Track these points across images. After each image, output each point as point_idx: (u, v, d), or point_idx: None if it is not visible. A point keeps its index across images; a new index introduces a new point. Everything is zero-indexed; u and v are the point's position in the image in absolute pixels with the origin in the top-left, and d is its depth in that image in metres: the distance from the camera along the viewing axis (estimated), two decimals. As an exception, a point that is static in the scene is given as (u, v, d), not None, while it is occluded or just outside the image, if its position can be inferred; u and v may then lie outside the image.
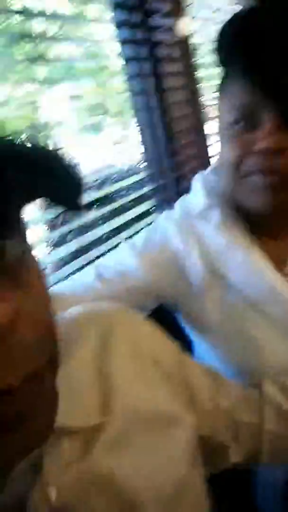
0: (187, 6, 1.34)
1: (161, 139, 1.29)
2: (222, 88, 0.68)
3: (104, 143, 1.28)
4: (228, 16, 0.64)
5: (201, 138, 1.46)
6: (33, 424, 0.33)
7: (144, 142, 1.30)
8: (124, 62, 1.17)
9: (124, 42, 1.17)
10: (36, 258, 0.36)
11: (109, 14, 1.14)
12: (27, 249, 0.34)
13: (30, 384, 0.31)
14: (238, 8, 0.69)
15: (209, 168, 0.82)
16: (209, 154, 1.50)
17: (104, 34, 1.19)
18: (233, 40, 0.62)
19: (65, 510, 0.40)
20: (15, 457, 0.37)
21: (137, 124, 1.27)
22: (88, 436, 0.44)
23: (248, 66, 0.59)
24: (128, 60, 1.18)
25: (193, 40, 1.39)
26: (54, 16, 1.09)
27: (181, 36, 1.31)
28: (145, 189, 1.29)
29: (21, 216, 0.34)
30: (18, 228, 0.33)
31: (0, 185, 0.30)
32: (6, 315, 0.29)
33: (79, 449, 0.43)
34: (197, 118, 1.40)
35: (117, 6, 1.13)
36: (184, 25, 1.31)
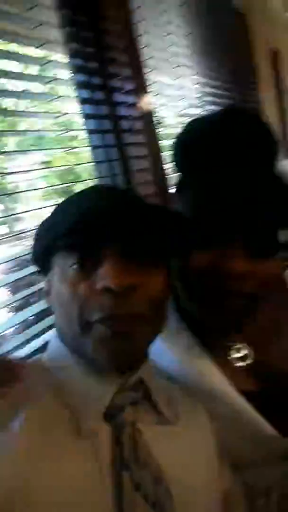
0: (149, 85, 1.47)
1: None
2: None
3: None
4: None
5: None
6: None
7: None
8: (88, 134, 1.25)
9: (87, 116, 1.25)
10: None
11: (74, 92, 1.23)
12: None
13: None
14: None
15: None
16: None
17: (71, 108, 1.27)
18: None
19: None
20: None
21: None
22: None
23: None
24: (92, 132, 1.27)
25: (157, 113, 1.50)
26: (25, 94, 1.16)
27: (144, 110, 1.42)
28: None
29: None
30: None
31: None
32: (122, 285, 0.47)
33: None
34: (160, 185, 1.48)
35: (81, 85, 1.23)
36: (147, 102, 1.43)
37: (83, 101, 1.23)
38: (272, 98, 3.29)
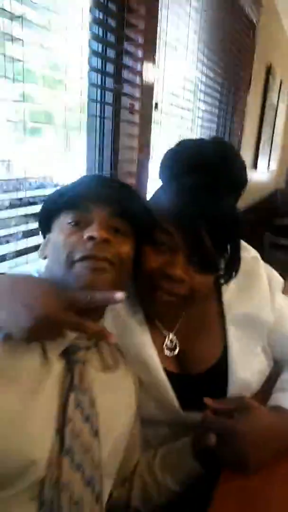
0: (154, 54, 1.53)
1: (106, 162, 1.43)
2: None
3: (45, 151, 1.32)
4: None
5: (144, 174, 1.61)
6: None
7: (88, 160, 1.42)
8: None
9: (95, 70, 1.30)
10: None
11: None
12: None
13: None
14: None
15: None
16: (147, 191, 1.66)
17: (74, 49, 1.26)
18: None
19: None
20: None
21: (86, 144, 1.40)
22: None
23: None
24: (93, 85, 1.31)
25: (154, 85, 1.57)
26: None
27: (145, 78, 1.48)
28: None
29: None
30: None
31: None
32: (102, 236, 0.64)
33: None
34: (144, 153, 1.56)
35: (95, 37, 1.27)
36: (149, 70, 1.49)
37: (94, 53, 1.27)
38: (257, 106, 3.47)
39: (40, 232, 0.80)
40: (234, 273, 0.84)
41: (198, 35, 1.97)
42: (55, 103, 1.27)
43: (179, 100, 1.95)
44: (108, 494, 0.70)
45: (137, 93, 1.47)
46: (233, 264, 0.82)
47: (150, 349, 0.84)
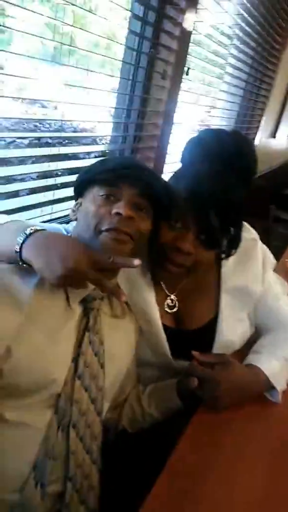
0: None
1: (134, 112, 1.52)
2: None
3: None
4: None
5: (167, 128, 1.69)
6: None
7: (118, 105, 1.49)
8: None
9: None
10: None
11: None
12: None
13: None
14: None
15: None
16: (166, 149, 1.74)
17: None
18: None
19: None
20: None
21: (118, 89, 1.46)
22: None
23: None
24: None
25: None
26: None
27: (185, 27, 1.52)
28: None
29: None
30: None
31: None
32: (127, 214, 0.76)
33: None
34: (169, 115, 1.63)
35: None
36: (190, 19, 1.53)
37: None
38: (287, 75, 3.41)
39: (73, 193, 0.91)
40: (233, 251, 0.97)
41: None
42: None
43: (210, 65, 1.97)
44: (105, 413, 0.88)
45: (171, 58, 1.52)
46: (234, 244, 0.95)
47: (153, 306, 0.99)
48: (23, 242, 0.72)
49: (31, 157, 1.29)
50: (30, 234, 0.73)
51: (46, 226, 1.00)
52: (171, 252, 0.88)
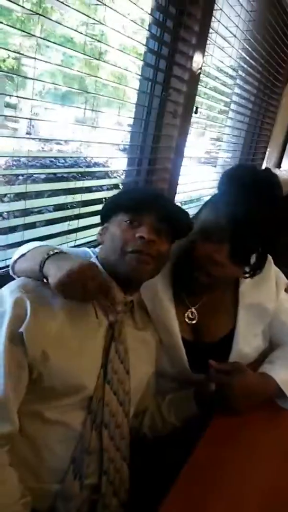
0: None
1: (147, 146, 1.66)
2: None
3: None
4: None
5: (178, 161, 1.83)
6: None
7: (132, 141, 1.64)
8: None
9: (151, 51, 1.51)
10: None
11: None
12: None
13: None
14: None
15: None
16: (177, 180, 1.88)
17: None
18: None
19: None
20: None
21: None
22: None
23: None
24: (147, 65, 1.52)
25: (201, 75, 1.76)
26: None
27: (194, 71, 1.68)
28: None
29: None
30: None
31: None
32: (149, 238, 0.87)
33: None
34: (180, 149, 1.78)
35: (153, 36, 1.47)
36: (199, 62, 1.69)
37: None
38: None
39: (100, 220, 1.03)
40: (258, 271, 1.09)
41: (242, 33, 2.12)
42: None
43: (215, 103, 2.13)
44: (131, 416, 0.96)
45: (181, 99, 1.68)
46: (261, 263, 1.08)
47: (173, 320, 1.08)
48: (45, 260, 0.84)
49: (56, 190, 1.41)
50: (52, 254, 0.85)
51: (75, 249, 1.12)
52: (206, 263, 1.00)
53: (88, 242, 1.47)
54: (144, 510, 0.76)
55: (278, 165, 3.85)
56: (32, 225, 1.31)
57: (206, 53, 1.75)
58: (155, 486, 0.81)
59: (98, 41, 1.27)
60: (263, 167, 3.25)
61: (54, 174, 2.13)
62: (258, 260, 1.07)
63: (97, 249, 1.03)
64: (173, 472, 0.81)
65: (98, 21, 1.20)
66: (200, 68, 1.71)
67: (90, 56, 1.24)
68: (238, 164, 1.13)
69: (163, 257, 0.93)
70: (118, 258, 0.89)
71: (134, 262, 0.87)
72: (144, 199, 0.94)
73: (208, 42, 1.73)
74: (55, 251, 0.86)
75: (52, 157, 2.47)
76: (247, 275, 1.10)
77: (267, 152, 3.26)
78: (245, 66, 2.35)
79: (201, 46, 1.67)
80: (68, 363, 0.83)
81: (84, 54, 1.22)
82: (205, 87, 1.95)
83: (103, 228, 0.99)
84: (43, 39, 1.08)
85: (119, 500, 0.89)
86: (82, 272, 0.79)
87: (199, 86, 1.80)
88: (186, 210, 1.01)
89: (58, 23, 1.13)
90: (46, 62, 1.12)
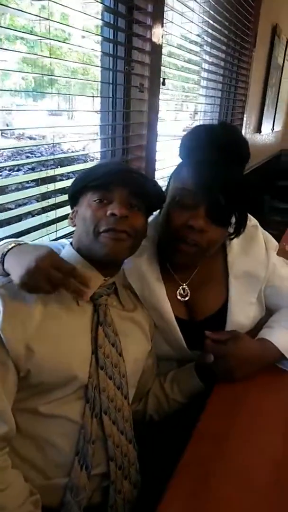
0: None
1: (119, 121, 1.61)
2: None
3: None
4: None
5: (152, 137, 1.77)
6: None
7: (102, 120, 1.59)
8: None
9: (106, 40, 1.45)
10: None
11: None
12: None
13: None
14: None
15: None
16: (154, 156, 1.83)
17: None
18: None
19: None
20: None
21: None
22: None
23: None
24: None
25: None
26: None
27: (154, 41, 1.62)
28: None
29: None
30: None
31: None
32: (121, 214, 0.83)
33: None
34: (152, 125, 1.73)
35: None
36: (159, 31, 1.63)
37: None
38: (262, 67, 3.52)
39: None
40: (242, 230, 1.03)
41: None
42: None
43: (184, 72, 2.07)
44: (131, 398, 0.94)
45: (146, 72, 1.62)
46: (242, 222, 1.02)
47: (164, 300, 1.05)
48: (4, 256, 0.81)
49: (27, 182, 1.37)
50: (10, 248, 0.81)
51: (47, 243, 1.07)
52: (185, 232, 0.95)
53: (71, 233, 1.43)
54: (155, 487, 0.74)
55: (258, 130, 3.79)
56: (7, 222, 1.27)
57: (165, 21, 1.68)
58: (164, 464, 0.80)
59: (60, 23, 1.21)
60: (242, 132, 3.20)
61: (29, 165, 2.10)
62: (239, 218, 1.01)
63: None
64: (181, 448, 0.79)
65: (54, 1, 1.14)
66: (162, 37, 1.65)
67: (52, 39, 1.19)
68: (197, 125, 1.06)
69: (139, 232, 0.89)
70: (92, 240, 0.85)
71: (109, 241, 0.84)
72: (111, 174, 0.88)
73: (166, 8, 1.66)
74: (13, 244, 0.82)
75: (22, 146, 2.41)
76: (232, 237, 1.05)
77: (244, 118, 3.20)
78: (210, 30, 2.27)
79: (159, 13, 1.60)
80: (55, 354, 0.80)
81: (48, 38, 1.16)
82: (171, 57, 1.89)
83: (73, 212, 0.95)
84: (8, 28, 1.03)
85: (131, 483, 0.88)
86: (41, 264, 0.74)
87: (164, 56, 1.73)
88: (155, 180, 0.98)
89: (21, 10, 1.07)
90: (12, 51, 1.08)
